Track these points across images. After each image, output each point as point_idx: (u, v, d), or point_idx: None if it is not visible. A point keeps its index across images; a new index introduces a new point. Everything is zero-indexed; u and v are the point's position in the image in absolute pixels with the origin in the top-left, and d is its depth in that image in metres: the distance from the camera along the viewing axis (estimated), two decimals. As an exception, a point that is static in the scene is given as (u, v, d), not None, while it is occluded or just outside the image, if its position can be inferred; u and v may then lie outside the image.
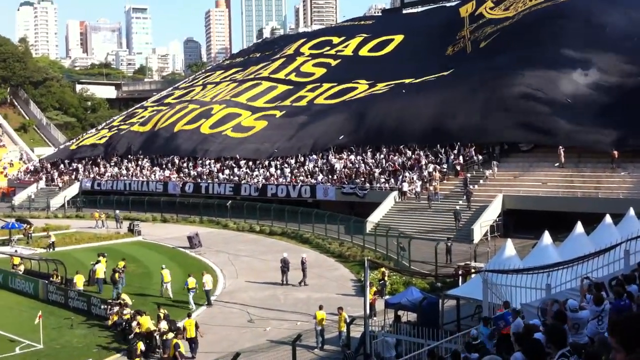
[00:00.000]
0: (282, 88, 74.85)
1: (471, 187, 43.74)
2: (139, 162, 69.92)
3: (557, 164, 43.34)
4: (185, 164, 65.65)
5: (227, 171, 60.95)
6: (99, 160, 74.78)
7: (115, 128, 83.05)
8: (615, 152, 40.62)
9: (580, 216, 27.47)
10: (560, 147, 42.91)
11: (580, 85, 47.50)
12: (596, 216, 27.01)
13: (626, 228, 23.19)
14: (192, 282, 28.52)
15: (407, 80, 62.69)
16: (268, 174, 57.43)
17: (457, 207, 41.96)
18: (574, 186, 40.99)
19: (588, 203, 37.52)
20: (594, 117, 44.24)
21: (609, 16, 53.99)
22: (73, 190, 69.26)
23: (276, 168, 57.95)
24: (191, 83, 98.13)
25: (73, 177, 72.52)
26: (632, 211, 25.87)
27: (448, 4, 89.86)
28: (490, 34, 62.19)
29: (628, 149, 40.93)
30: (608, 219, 24.80)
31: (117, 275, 31.00)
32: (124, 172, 69.10)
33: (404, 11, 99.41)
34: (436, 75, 60.62)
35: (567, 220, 30.27)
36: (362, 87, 66.32)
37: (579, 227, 24.44)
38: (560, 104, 46.05)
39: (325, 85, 70.06)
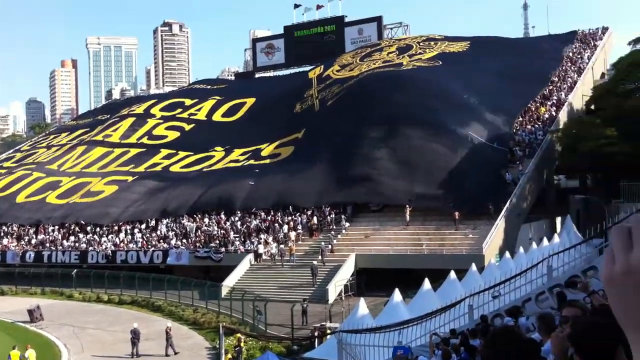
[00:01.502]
0: (134, 151, 72.65)
1: (325, 246, 44.33)
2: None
3: (404, 223, 45.23)
4: (25, 232, 61.47)
5: (72, 238, 57.76)
6: None
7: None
8: (457, 213, 43.07)
9: (427, 272, 28.66)
10: (407, 206, 44.89)
11: (422, 148, 50.12)
12: (442, 272, 28.28)
13: (469, 283, 24.46)
14: (15, 354, 26.48)
15: (262, 146, 63.39)
16: (117, 239, 55.08)
17: (314, 262, 42.51)
18: (420, 244, 42.84)
19: (434, 260, 39.28)
20: (438, 180, 46.85)
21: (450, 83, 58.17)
22: None
23: (126, 233, 55.77)
24: (33, 145, 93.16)
25: None
26: (474, 267, 27.38)
27: (298, 70, 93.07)
28: (336, 93, 64.68)
29: (465, 210, 43.48)
30: (453, 274, 26.07)
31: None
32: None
33: (257, 75, 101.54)
34: (290, 138, 61.96)
35: (415, 277, 31.47)
36: (218, 155, 65.98)
37: (427, 284, 25.46)
38: (405, 165, 48.39)
39: (182, 154, 69.01)
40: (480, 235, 41.32)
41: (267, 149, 62.91)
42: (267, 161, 60.28)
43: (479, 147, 49.48)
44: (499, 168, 47.51)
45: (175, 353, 30.54)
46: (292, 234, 47.52)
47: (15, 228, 62.47)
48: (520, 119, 55.88)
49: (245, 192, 54.11)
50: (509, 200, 43.45)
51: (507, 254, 31.11)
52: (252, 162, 61.33)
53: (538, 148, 50.82)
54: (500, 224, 41.79)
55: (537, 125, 54.73)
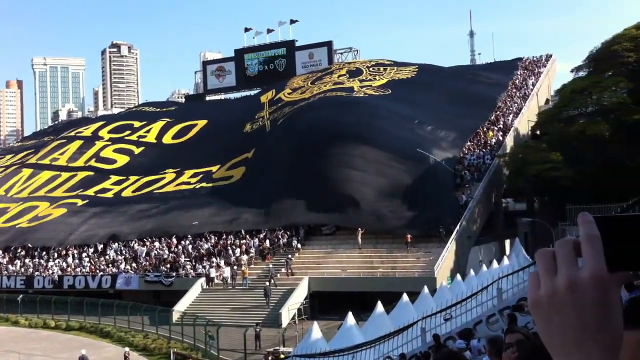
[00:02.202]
0: (81, 175, 71.14)
1: (276, 270, 44.22)
2: None
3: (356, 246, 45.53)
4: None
5: (18, 262, 56.18)
6: None
7: None
8: (409, 236, 43.60)
9: (380, 295, 28.89)
10: (359, 229, 45.23)
11: (375, 168, 50.67)
12: (395, 295, 28.54)
13: (422, 305, 24.76)
14: None
15: (214, 168, 63.11)
16: (64, 264, 53.84)
17: (267, 284, 42.43)
18: (373, 267, 43.16)
19: (386, 283, 39.59)
20: (389, 201, 47.39)
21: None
22: None
23: (74, 257, 54.55)
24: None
25: None
26: (426, 289, 27.73)
27: (249, 92, 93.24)
28: (287, 113, 64.89)
29: (416, 232, 44.07)
30: (405, 297, 26.34)
31: None
32: None
33: (207, 98, 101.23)
34: (240, 158, 61.91)
35: (368, 300, 31.67)
36: (169, 177, 65.30)
37: (380, 307, 25.65)
38: (357, 187, 48.80)
39: (132, 178, 67.94)
40: (432, 258, 41.86)
41: (219, 172, 62.61)
42: (219, 183, 59.99)
43: (430, 169, 50.16)
44: (450, 191, 48.37)
45: None
46: (244, 257, 47.31)
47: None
48: (469, 143, 57.11)
49: (196, 218, 53.82)
50: (459, 223, 44.22)
51: (459, 276, 31.63)
52: (203, 184, 60.95)
53: (486, 172, 51.96)
54: (451, 246, 42.46)
55: (484, 150, 56.01)
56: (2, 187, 71.93)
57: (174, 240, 52.41)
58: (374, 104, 60.64)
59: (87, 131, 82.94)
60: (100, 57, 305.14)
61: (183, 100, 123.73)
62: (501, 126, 61.30)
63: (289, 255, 45.67)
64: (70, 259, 54.31)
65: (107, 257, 53.22)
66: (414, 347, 19.94)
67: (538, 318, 1.05)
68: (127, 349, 31.89)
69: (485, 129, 60.05)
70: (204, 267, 47.56)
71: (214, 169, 63.29)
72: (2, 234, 60.48)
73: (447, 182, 49.27)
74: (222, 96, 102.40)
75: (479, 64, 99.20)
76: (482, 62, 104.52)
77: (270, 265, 45.06)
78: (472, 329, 18.93)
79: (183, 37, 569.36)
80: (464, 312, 21.22)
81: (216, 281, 46.24)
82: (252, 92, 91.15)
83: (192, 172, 64.42)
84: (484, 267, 33.80)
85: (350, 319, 24.77)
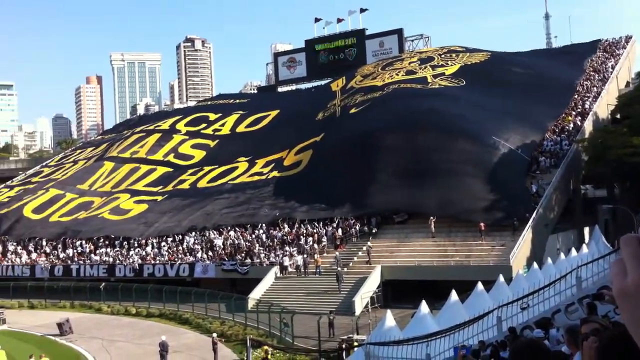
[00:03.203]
0: (161, 170, 73.32)
1: (340, 270, 44.00)
2: (5, 246, 65.56)
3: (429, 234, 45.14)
4: (53, 246, 62.32)
5: (100, 250, 58.47)
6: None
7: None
8: (482, 224, 42.87)
9: (454, 284, 28.57)
10: (432, 217, 44.79)
11: (449, 158, 49.88)
12: (468, 284, 28.18)
13: (497, 294, 24.34)
14: None
15: (284, 154, 63.88)
16: (144, 253, 55.67)
17: (339, 269, 42.67)
18: (447, 255, 42.71)
19: (461, 271, 39.16)
20: (463, 190, 46.69)
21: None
22: None
23: (153, 247, 56.33)
24: (61, 160, 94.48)
25: None
26: (501, 278, 27.23)
27: (320, 82, 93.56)
28: (361, 102, 64.71)
29: (490, 222, 43.25)
30: (480, 286, 25.94)
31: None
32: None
33: (279, 89, 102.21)
34: (309, 142, 62.32)
35: (442, 289, 31.39)
36: (242, 167, 66.56)
37: (454, 296, 25.35)
38: (432, 175, 48.23)
39: (206, 168, 69.65)
40: (507, 246, 41.09)
41: (288, 158, 63.30)
42: (289, 172, 60.58)
43: (506, 158, 49.04)
44: (525, 179, 47.28)
45: None
46: (317, 246, 47.69)
47: (44, 243, 63.43)
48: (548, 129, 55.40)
49: (269, 207, 54.80)
50: (535, 211, 43.17)
51: (535, 265, 30.89)
52: (275, 173, 61.72)
53: (564, 158, 50.46)
54: (527, 234, 41.54)
55: (562, 135, 54.37)
56: (86, 181, 74.88)
57: (249, 229, 53.36)
58: (449, 94, 59.66)
59: (165, 125, 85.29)
60: (175, 52, 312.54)
61: (255, 92, 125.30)
62: (579, 110, 59.36)
63: (369, 243, 45.40)
64: (149, 248, 56.11)
65: (185, 245, 54.69)
66: (490, 337, 19.63)
67: (624, 307, 0.99)
68: (215, 334, 32.52)
69: (563, 114, 58.27)
70: (277, 255, 48.23)
71: (283, 154, 64.05)
72: (87, 226, 63.08)
73: (522, 170, 48.12)
74: (293, 87, 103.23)
75: (555, 47, 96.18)
76: (558, 45, 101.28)
77: (337, 253, 45.46)
78: (550, 318, 18.47)
79: (254, 29, 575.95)
80: (542, 301, 20.71)
81: (289, 270, 46.81)
82: (323, 82, 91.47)
83: (263, 161, 65.36)
84: (562, 255, 32.88)
85: (424, 307, 24.59)
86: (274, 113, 78.68)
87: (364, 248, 45.96)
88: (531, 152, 50.55)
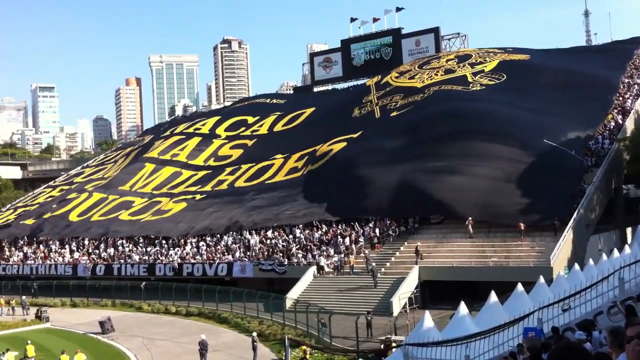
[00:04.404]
0: (201, 174, 74.20)
1: (373, 264, 43.96)
2: (48, 245, 67.11)
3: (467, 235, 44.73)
4: (95, 246, 63.54)
5: (140, 249, 59.38)
6: (3, 244, 71.30)
7: (21, 209, 79.79)
8: (522, 224, 42.34)
9: (493, 285, 28.28)
10: (470, 218, 44.39)
11: (491, 160, 49.33)
12: (508, 285, 27.87)
13: (538, 296, 24.05)
14: (64, 358, 27.67)
15: (317, 147, 64.16)
16: (183, 253, 56.36)
17: (374, 264, 42.85)
18: (485, 256, 42.27)
19: (500, 272, 38.67)
20: (500, 192, 46.15)
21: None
22: (-25, 276, 65.45)
23: (192, 246, 56.99)
24: (102, 161, 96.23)
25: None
26: (542, 279, 26.89)
27: (356, 83, 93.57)
28: (402, 106, 64.41)
29: (529, 223, 42.65)
30: (520, 287, 25.65)
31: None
32: (31, 255, 66.12)
33: (315, 89, 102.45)
34: (344, 137, 62.36)
35: (481, 290, 31.13)
36: (278, 162, 67.08)
37: (493, 297, 25.11)
38: (471, 178, 47.82)
39: (244, 167, 70.31)
40: (547, 247, 40.52)
41: (321, 149, 63.52)
42: (321, 162, 60.81)
43: (549, 157, 48.19)
44: (579, 179, 46.51)
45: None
46: (354, 247, 47.68)
47: (86, 242, 64.71)
48: (591, 128, 54.39)
49: (305, 207, 55.04)
50: (576, 211, 42.47)
51: (577, 266, 30.42)
52: (310, 167, 62.03)
53: (605, 157, 49.53)
54: (568, 235, 40.85)
55: (603, 134, 53.39)
56: (127, 182, 76.17)
57: (286, 229, 53.62)
58: (493, 98, 59.04)
59: (205, 127, 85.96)
60: (212, 53, 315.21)
61: (291, 92, 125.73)
62: (620, 108, 58.22)
63: (418, 243, 44.98)
64: (188, 248, 56.78)
65: (223, 245, 55.18)
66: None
67: None
68: (254, 334, 32.75)
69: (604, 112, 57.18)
70: (314, 255, 48.36)
71: (317, 147, 64.32)
72: (128, 226, 64.20)
73: (576, 170, 47.26)
74: (329, 87, 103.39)
75: (595, 45, 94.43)
76: (598, 42, 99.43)
77: (366, 251, 45.81)
78: (592, 320, 18.22)
79: (290, 30, 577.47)
80: (583, 302, 20.43)
81: (326, 269, 46.88)
82: (359, 82, 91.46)
83: (298, 154, 65.73)
84: (604, 256, 32.34)
85: (463, 308, 24.41)
86: (309, 110, 79.15)
87: (402, 248, 45.80)
88: (581, 152, 49.56)
